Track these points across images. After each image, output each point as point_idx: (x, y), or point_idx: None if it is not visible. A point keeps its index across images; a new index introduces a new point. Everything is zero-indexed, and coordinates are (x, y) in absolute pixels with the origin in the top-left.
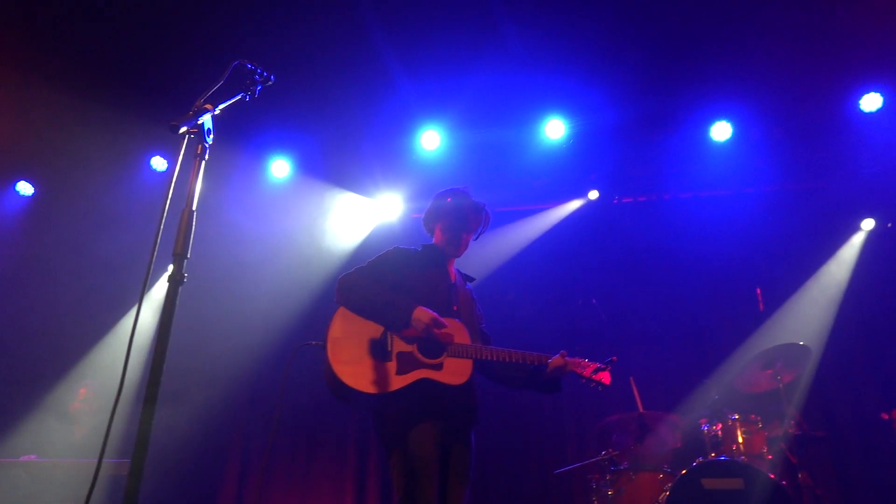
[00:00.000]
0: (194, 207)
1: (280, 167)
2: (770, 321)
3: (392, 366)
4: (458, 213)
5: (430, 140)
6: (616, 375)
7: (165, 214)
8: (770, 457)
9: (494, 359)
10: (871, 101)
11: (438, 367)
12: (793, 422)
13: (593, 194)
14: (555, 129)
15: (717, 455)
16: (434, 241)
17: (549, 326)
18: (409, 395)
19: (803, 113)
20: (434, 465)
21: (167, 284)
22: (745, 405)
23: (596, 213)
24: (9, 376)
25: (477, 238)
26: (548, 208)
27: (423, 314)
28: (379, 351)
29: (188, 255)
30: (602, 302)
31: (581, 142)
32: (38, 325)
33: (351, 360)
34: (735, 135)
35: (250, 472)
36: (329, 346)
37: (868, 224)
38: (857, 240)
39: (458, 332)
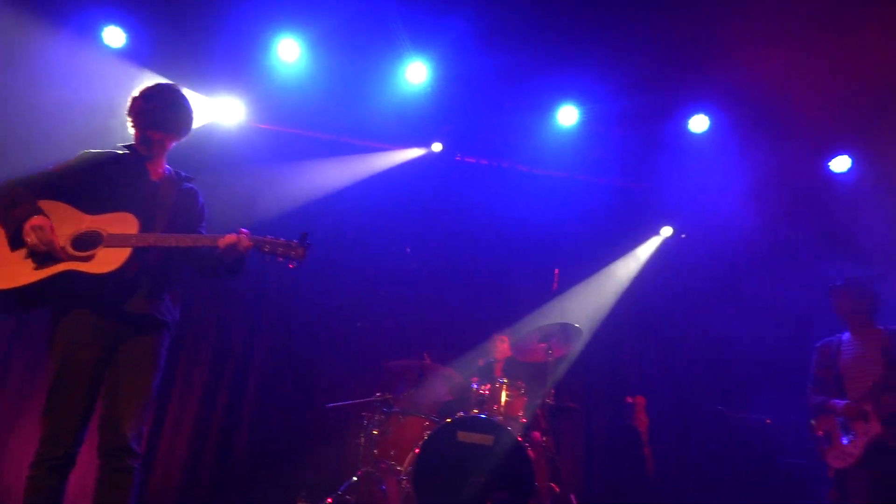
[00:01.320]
0: None
1: (114, 36)
2: (558, 300)
3: (31, 261)
4: (145, 110)
5: (289, 51)
6: (405, 324)
7: None
8: (524, 420)
9: (154, 244)
10: (698, 123)
11: (87, 259)
12: (552, 392)
13: (437, 146)
14: (416, 73)
15: (478, 412)
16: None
17: (358, 262)
18: (46, 289)
19: (643, 115)
20: (77, 359)
21: None
22: (514, 371)
23: (434, 165)
24: None
25: (177, 138)
26: (389, 150)
27: (38, 220)
28: (20, 247)
29: None
30: (415, 251)
31: (438, 91)
32: None
33: None
34: (580, 122)
35: None
36: None
37: (666, 231)
38: (653, 243)
39: (122, 224)
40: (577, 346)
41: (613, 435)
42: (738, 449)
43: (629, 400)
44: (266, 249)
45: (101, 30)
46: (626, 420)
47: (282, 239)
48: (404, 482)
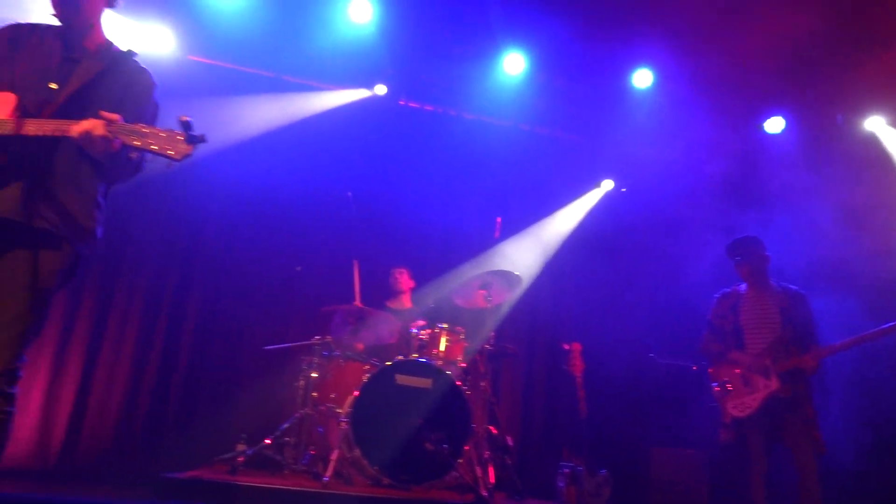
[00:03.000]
0: None
1: None
2: (499, 247)
3: None
4: None
5: None
6: (346, 268)
7: None
8: (463, 364)
9: (13, 132)
10: (642, 78)
11: None
12: (491, 337)
13: (380, 89)
14: (360, 12)
15: (418, 356)
16: None
17: (297, 207)
18: None
19: (590, 67)
20: None
21: None
22: (454, 317)
23: (378, 108)
24: None
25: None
26: (333, 90)
27: None
28: None
29: None
30: (357, 196)
31: (385, 33)
32: None
33: None
34: (527, 71)
35: None
36: None
37: (607, 184)
38: (594, 195)
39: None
40: (516, 294)
41: (550, 379)
42: (665, 392)
43: (566, 346)
44: (135, 143)
45: None
46: (562, 365)
47: (161, 130)
48: (343, 424)
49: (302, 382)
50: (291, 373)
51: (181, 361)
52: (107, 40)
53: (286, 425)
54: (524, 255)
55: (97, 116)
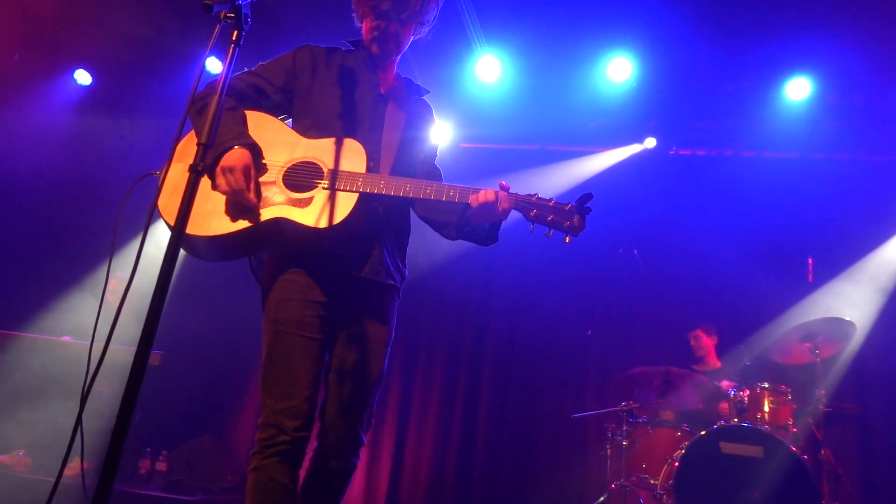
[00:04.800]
0: (223, 97)
1: None
2: (817, 294)
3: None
4: None
5: (488, 67)
6: (638, 329)
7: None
8: (794, 430)
9: (389, 192)
10: None
11: (303, 203)
12: (824, 398)
13: (650, 142)
14: (619, 70)
15: (739, 421)
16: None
17: (584, 270)
18: (248, 240)
19: (889, 80)
20: (294, 330)
21: (187, 173)
22: (776, 375)
23: (650, 161)
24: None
25: (415, 29)
26: (601, 151)
27: (234, 160)
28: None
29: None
30: (643, 254)
31: (644, 86)
32: (87, 209)
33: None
34: (813, 95)
35: None
36: (164, 171)
37: None
38: None
39: (347, 156)
40: (850, 344)
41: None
42: None
43: None
44: (532, 214)
45: None
46: None
47: (553, 200)
48: (663, 497)
49: (608, 451)
50: (593, 440)
51: (480, 427)
52: (397, 71)
53: (603, 497)
54: (847, 296)
55: (424, 170)
